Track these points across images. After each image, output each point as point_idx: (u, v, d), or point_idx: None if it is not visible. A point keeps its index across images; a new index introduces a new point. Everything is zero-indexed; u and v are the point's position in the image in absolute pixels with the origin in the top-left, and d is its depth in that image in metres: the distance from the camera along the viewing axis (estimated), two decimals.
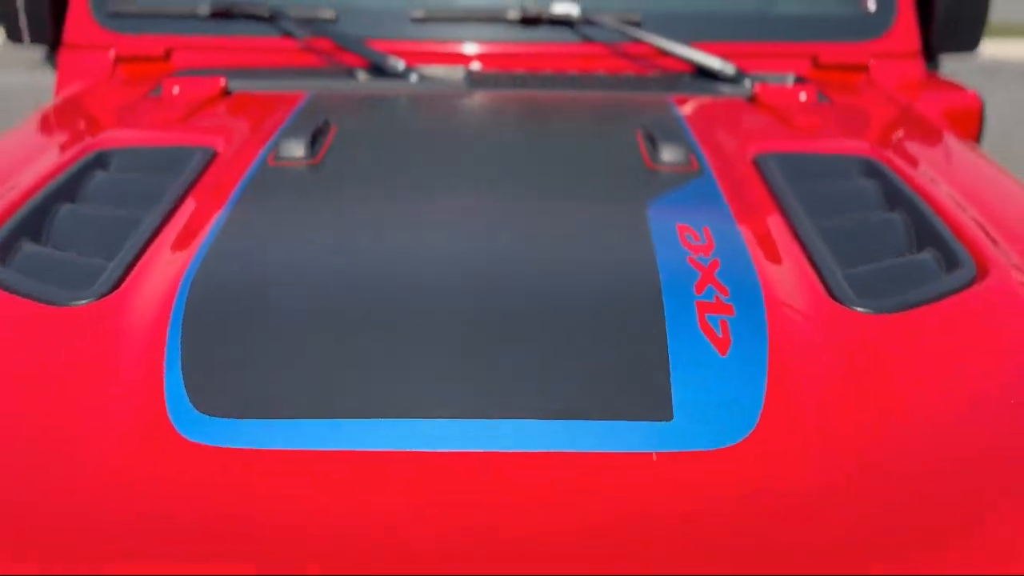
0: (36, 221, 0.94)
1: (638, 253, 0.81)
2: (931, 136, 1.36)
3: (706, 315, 0.72)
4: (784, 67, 1.60)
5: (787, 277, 0.81)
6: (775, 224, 0.93)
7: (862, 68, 1.63)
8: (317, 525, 0.56)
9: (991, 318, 0.79)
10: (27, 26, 1.69)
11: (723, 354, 0.68)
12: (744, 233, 0.88)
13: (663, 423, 0.63)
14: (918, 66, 1.67)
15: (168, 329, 0.70)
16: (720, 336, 0.70)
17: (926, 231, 0.93)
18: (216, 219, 0.88)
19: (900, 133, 1.34)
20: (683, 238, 0.84)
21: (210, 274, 0.77)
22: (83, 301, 0.77)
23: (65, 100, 1.52)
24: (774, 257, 0.85)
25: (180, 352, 0.67)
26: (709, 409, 0.64)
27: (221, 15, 1.60)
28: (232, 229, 0.86)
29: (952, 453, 0.64)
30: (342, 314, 0.74)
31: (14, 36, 1.80)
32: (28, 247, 0.89)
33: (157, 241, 0.88)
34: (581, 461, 0.60)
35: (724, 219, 0.90)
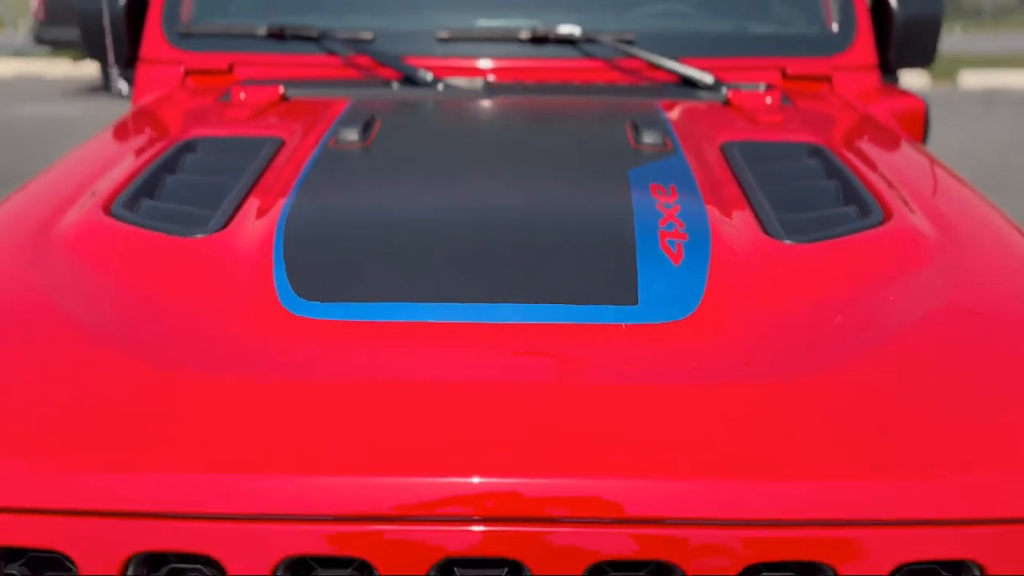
0: (149, 185, 1.21)
1: (619, 198, 1.07)
2: (874, 130, 1.62)
3: (666, 239, 0.98)
4: (758, 78, 1.86)
5: (731, 219, 1.06)
6: (729, 187, 1.18)
7: (826, 79, 1.89)
8: (382, 366, 0.81)
9: (886, 248, 1.04)
10: (111, 44, 1.96)
11: (676, 264, 0.94)
12: (703, 191, 1.13)
13: (631, 306, 0.88)
14: (875, 77, 1.93)
15: (273, 245, 0.96)
16: (675, 253, 0.95)
17: (851, 194, 1.18)
18: (296, 181, 1.15)
19: (846, 128, 1.60)
20: (654, 191, 1.10)
21: (300, 210, 1.04)
22: (202, 234, 1.03)
23: (148, 104, 1.80)
24: (724, 207, 1.10)
25: (284, 260, 0.94)
26: (662, 298, 0.89)
27: (275, 36, 1.87)
28: (311, 186, 1.13)
29: (843, 332, 0.89)
30: (396, 234, 1.00)
31: (96, 55, 2.09)
32: (147, 202, 1.15)
33: (250, 198, 1.14)
34: (575, 329, 0.86)
35: (688, 182, 1.16)
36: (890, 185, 1.25)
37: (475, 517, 0.69)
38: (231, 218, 1.08)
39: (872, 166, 1.34)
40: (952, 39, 17.89)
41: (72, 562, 0.71)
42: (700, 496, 0.70)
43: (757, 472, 0.71)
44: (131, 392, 0.79)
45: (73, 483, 0.71)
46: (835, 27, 1.94)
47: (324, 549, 0.69)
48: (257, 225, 1.03)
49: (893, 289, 0.95)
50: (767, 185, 1.20)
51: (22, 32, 15.81)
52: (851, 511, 0.70)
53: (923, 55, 2.07)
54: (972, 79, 12.95)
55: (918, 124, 1.83)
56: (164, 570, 0.72)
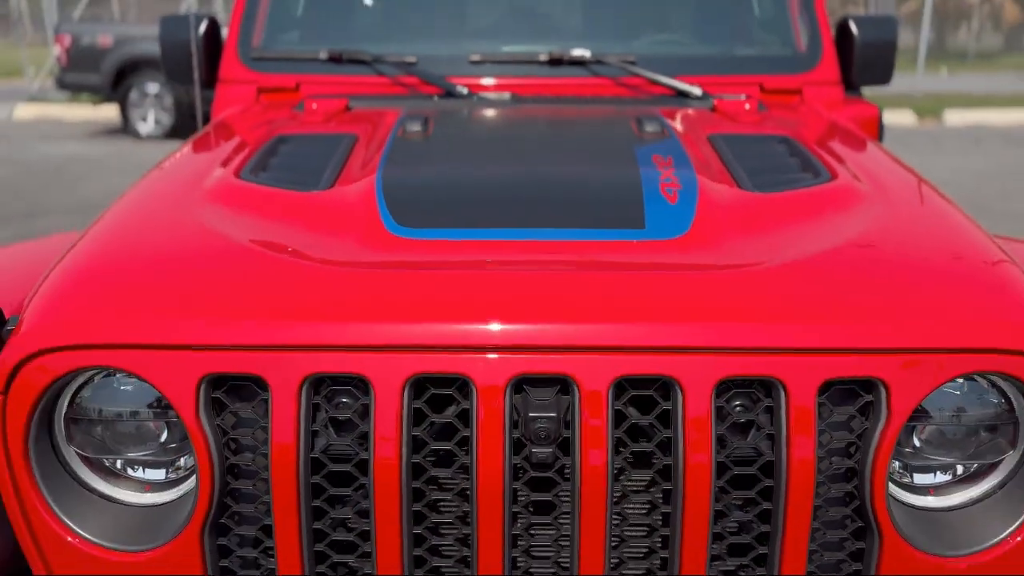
0: (261, 163, 1.55)
1: (628, 164, 1.42)
2: (833, 128, 1.97)
3: (664, 188, 1.32)
4: (740, 91, 2.22)
5: (713, 178, 1.41)
6: (713, 162, 1.53)
7: (797, 92, 2.25)
8: (458, 263, 1.15)
9: (829, 195, 1.38)
10: (198, 67, 2.32)
11: (672, 203, 1.28)
12: (692, 162, 1.48)
13: (640, 229, 1.22)
14: (838, 90, 2.29)
15: (375, 193, 1.30)
16: (671, 196, 1.30)
17: (807, 165, 1.53)
18: (381, 157, 1.49)
19: (810, 125, 1.95)
20: (655, 160, 1.45)
21: (390, 172, 1.39)
22: (315, 190, 1.38)
23: (231, 115, 2.15)
24: (708, 173, 1.44)
25: (385, 202, 1.28)
26: (662, 224, 1.23)
27: (335, 59, 2.23)
28: (393, 159, 1.48)
29: (791, 241, 1.22)
30: (462, 185, 1.36)
31: (179, 79, 2.44)
32: (263, 173, 1.50)
33: (345, 170, 1.48)
34: (602, 244, 1.20)
35: (681, 156, 1.51)
36: (840, 161, 1.60)
37: (536, 346, 1.02)
38: (335, 181, 1.42)
39: (828, 150, 1.69)
40: (938, 80, 18.52)
41: (266, 382, 1.03)
42: (689, 331, 1.03)
43: (729, 316, 1.05)
44: (289, 276, 1.13)
45: (264, 326, 1.04)
46: (804, 50, 2.31)
47: (440, 368, 1.02)
48: (358, 184, 1.38)
49: (831, 219, 1.30)
50: (743, 160, 1.54)
51: (39, 79, 16.31)
52: (793, 342, 1.03)
53: (882, 74, 2.43)
54: (956, 117, 13.44)
55: (873, 125, 2.19)
56: (325, 390, 1.05)
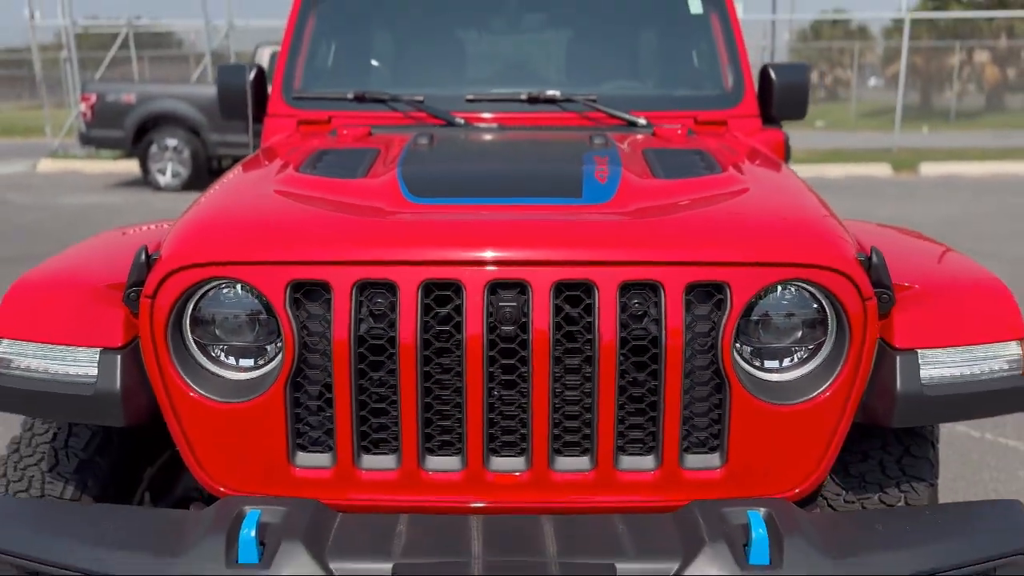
0: (312, 164, 2.13)
1: (576, 162, 2.01)
2: (740, 146, 2.56)
3: (598, 174, 1.90)
4: (678, 123, 2.82)
5: (635, 172, 1.99)
6: (639, 162, 2.11)
7: (723, 123, 2.85)
8: (453, 217, 1.72)
9: (715, 181, 1.96)
10: (251, 105, 2.93)
11: (603, 183, 1.86)
12: (623, 161, 2.06)
13: (578, 197, 1.80)
14: (757, 122, 2.90)
15: (396, 178, 1.88)
16: (602, 179, 1.87)
17: (709, 165, 2.11)
18: (399, 160, 2.08)
19: (723, 144, 2.55)
20: (595, 159, 2.03)
21: (407, 166, 1.97)
22: (354, 178, 1.96)
23: (278, 141, 2.74)
24: (632, 169, 2.02)
25: (404, 182, 1.85)
26: (593, 194, 1.80)
27: (359, 99, 2.83)
28: (408, 160, 2.06)
29: (684, 207, 1.80)
30: (458, 173, 1.94)
31: (232, 115, 3.05)
32: (314, 169, 2.08)
33: (373, 168, 2.06)
34: (550, 206, 1.76)
35: (615, 158, 2.09)
36: (734, 164, 2.18)
37: (504, 262, 1.57)
38: (367, 174, 2.00)
39: (729, 158, 2.27)
40: (919, 137, 19.35)
41: (329, 286, 1.59)
42: (601, 252, 1.58)
43: (627, 243, 1.61)
44: (344, 220, 1.69)
45: (329, 250, 1.60)
46: (730, 91, 2.92)
47: (442, 276, 1.57)
48: (384, 175, 1.95)
49: (710, 192, 1.87)
50: (661, 162, 2.12)
51: (60, 136, 17.09)
52: (668, 258, 1.58)
53: (797, 109, 3.03)
54: (931, 169, 14.15)
55: (780, 147, 2.79)
56: (367, 291, 1.60)
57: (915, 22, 27.90)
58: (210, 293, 1.67)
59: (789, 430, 1.63)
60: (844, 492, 1.86)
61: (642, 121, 2.73)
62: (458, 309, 1.59)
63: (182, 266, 1.62)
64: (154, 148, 11.76)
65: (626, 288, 1.59)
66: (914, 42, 28.05)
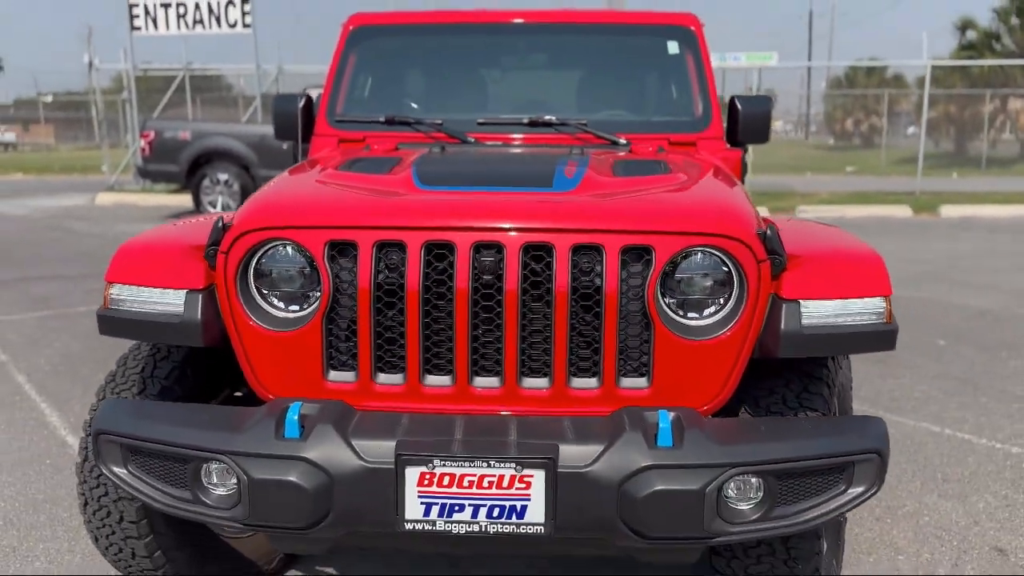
0: (348, 166, 2.71)
1: (551, 164, 2.56)
2: (698, 161, 3.09)
3: (567, 172, 2.45)
4: (654, 143, 3.36)
5: (599, 172, 2.53)
6: (606, 167, 2.65)
7: (693, 144, 3.39)
8: (454, 199, 2.27)
9: (660, 178, 2.49)
10: (300, 126, 3.54)
11: (569, 178, 2.40)
12: (592, 165, 2.60)
13: (548, 187, 2.34)
14: (721, 143, 3.43)
15: (411, 172, 2.44)
16: (570, 175, 2.42)
17: (664, 169, 2.65)
18: (415, 161, 2.64)
19: (684, 160, 3.07)
20: (568, 163, 2.58)
21: (419, 165, 2.53)
22: (383, 174, 2.53)
23: (323, 154, 3.34)
24: (598, 171, 2.56)
25: (417, 175, 2.41)
26: (561, 184, 2.34)
27: (389, 122, 3.43)
28: (421, 162, 2.63)
29: (631, 195, 2.33)
30: (459, 171, 2.50)
31: (285, 136, 3.66)
32: (347, 170, 2.65)
33: (396, 167, 2.63)
34: (525, 192, 2.31)
35: (585, 162, 2.63)
36: (684, 169, 2.71)
37: (486, 228, 2.12)
38: (391, 171, 2.57)
39: (682, 166, 2.80)
40: (946, 182, 19.68)
41: (357, 244, 2.14)
42: (560, 223, 2.11)
43: (579, 217, 2.13)
44: (370, 199, 2.25)
45: (357, 218, 2.15)
46: (700, 117, 3.47)
47: (439, 238, 2.11)
48: (405, 171, 2.51)
49: (655, 187, 2.40)
50: (624, 167, 2.67)
51: (116, 173, 18.08)
52: (609, 227, 2.10)
53: (760, 135, 3.56)
54: (951, 211, 14.50)
55: (737, 163, 3.32)
56: (384, 250, 2.14)
57: (949, 70, 28.29)
58: (268, 251, 2.23)
59: (700, 360, 2.14)
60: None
61: (623, 141, 3.28)
62: (451, 264, 2.13)
63: (247, 230, 2.19)
64: (206, 182, 12.61)
65: (577, 250, 2.12)
66: (947, 90, 28.46)
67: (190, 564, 2.57)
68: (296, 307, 2.23)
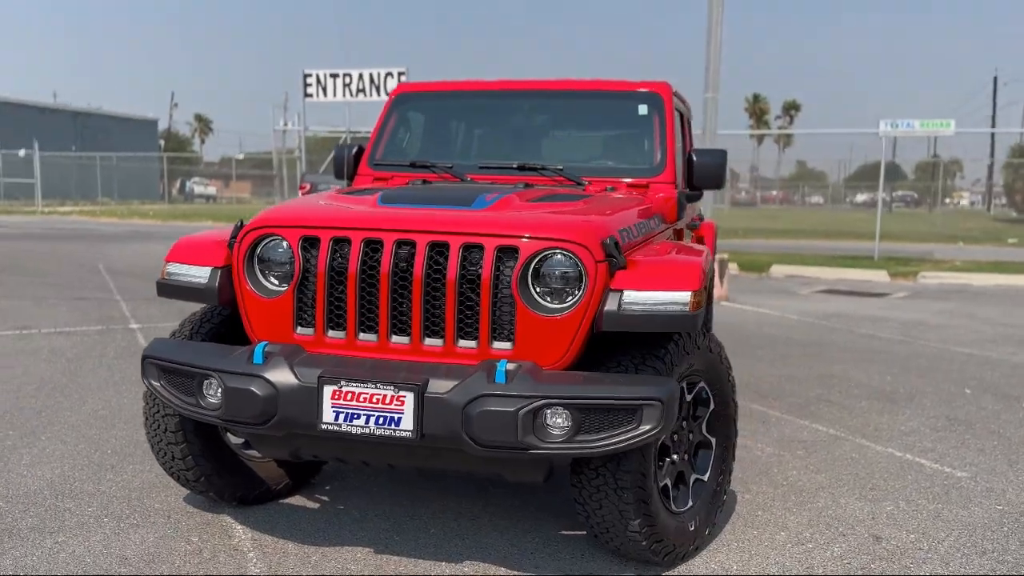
0: (349, 191, 3.69)
1: (481, 192, 3.44)
2: (630, 198, 3.84)
3: (488, 197, 3.31)
4: (614, 185, 4.14)
5: (521, 198, 3.36)
6: (535, 195, 3.49)
7: (646, 186, 4.16)
8: (389, 210, 3.19)
9: (574, 203, 3.31)
10: (347, 168, 4.61)
11: (487, 200, 3.27)
12: (518, 193, 3.45)
13: (468, 206, 3.21)
14: (671, 187, 4.18)
15: (379, 196, 3.39)
16: (488, 199, 3.28)
17: (578, 198, 3.46)
18: (389, 189, 3.59)
19: (620, 196, 3.84)
20: (495, 192, 3.45)
21: (392, 191, 3.49)
22: (363, 197, 3.49)
23: (365, 184, 4.37)
24: (523, 197, 3.40)
25: (381, 196, 3.36)
26: (478, 204, 3.21)
27: (412, 165, 4.42)
28: (396, 189, 3.58)
29: (533, 212, 3.16)
30: (412, 194, 3.43)
31: (339, 176, 4.74)
32: (345, 194, 3.63)
33: (376, 193, 3.59)
34: (448, 210, 3.20)
35: (510, 192, 3.48)
36: (600, 202, 3.51)
37: (406, 230, 2.99)
38: (371, 195, 3.53)
39: (605, 200, 3.59)
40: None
41: (319, 239, 3.09)
42: (462, 229, 2.97)
43: (475, 226, 2.98)
44: (336, 208, 3.21)
45: (320, 220, 3.11)
46: (655, 164, 4.25)
47: (373, 236, 3.01)
48: (376, 195, 3.46)
49: (562, 209, 3.22)
50: (551, 197, 3.50)
51: None
52: (492, 231, 2.93)
53: (714, 182, 4.30)
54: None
55: (672, 201, 4.05)
56: (338, 244, 3.08)
57: None
58: (269, 243, 3.23)
59: (549, 331, 2.92)
60: None
61: (585, 182, 4.11)
62: (379, 255, 3.04)
63: (253, 228, 3.20)
64: None
65: (466, 247, 2.98)
66: None
67: (217, 472, 3.57)
68: (281, 283, 3.21)
